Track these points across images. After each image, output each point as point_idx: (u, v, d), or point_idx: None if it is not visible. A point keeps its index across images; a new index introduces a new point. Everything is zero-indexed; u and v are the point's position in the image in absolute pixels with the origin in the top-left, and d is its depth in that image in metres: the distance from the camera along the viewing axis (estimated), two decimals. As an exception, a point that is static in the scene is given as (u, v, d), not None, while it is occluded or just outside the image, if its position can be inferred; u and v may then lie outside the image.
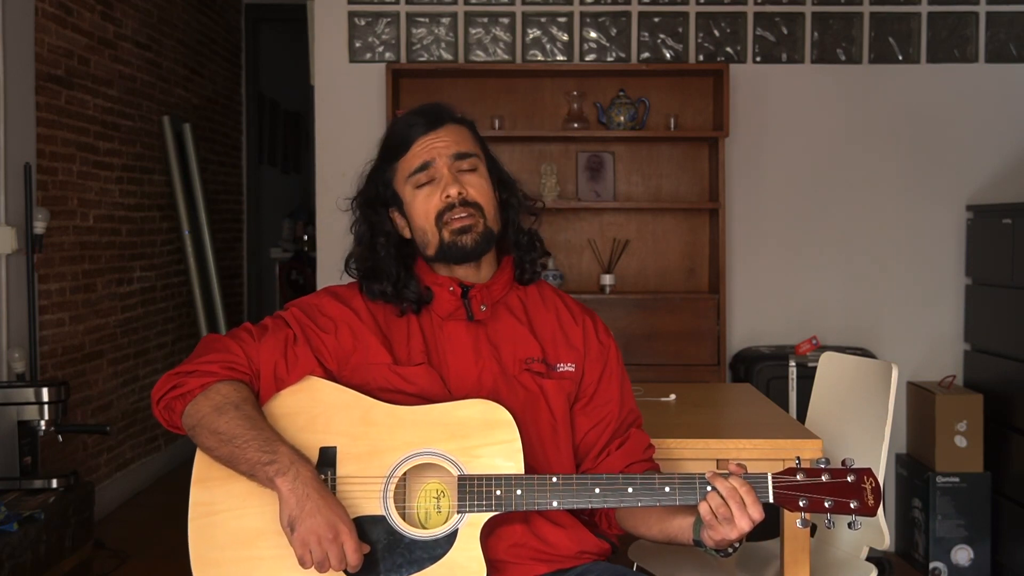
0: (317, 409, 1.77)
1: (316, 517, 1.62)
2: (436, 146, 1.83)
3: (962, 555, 3.84)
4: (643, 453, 1.91)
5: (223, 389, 1.73)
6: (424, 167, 1.83)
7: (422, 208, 1.83)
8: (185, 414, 1.74)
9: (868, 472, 1.65)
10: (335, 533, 1.63)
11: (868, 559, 2.61)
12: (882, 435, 2.51)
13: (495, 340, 1.85)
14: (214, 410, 1.70)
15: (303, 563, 1.64)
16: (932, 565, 3.86)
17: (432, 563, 1.68)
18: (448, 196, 1.81)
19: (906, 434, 4.17)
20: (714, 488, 1.63)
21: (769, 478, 1.66)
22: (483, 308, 1.85)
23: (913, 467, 4.03)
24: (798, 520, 1.66)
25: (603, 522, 1.89)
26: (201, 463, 1.76)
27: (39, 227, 3.91)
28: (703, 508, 1.64)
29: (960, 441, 3.85)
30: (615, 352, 1.94)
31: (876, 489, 1.64)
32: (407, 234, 1.88)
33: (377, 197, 1.89)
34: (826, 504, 1.64)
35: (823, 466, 1.66)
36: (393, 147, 1.87)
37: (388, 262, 1.85)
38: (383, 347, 1.82)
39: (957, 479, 3.84)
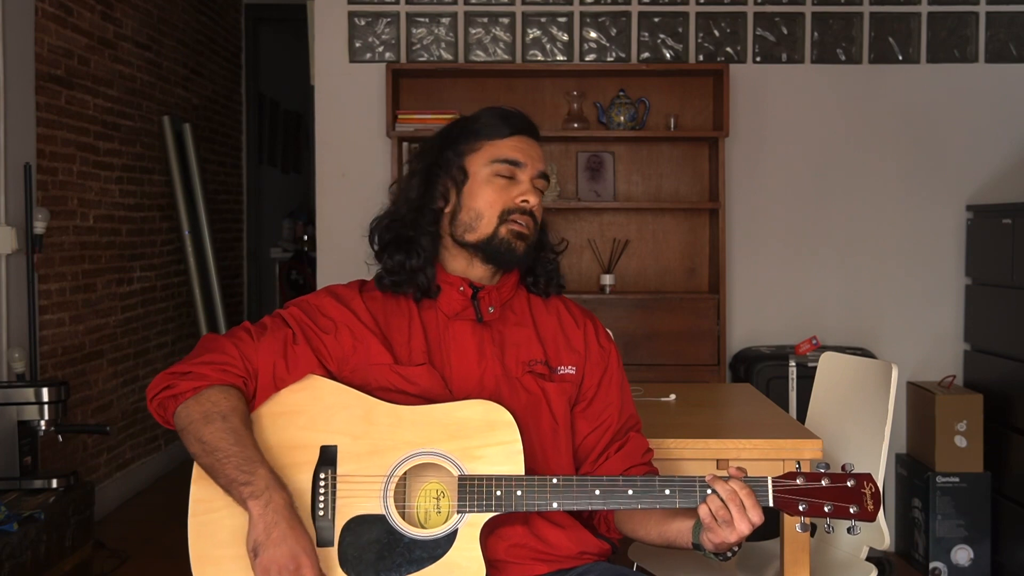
0: (318, 408, 1.77)
1: (280, 547, 1.62)
2: (532, 153, 1.86)
3: (962, 555, 3.84)
4: (642, 457, 1.91)
5: (213, 396, 1.72)
6: (515, 163, 1.84)
7: (492, 196, 1.83)
8: (176, 415, 1.74)
9: (868, 477, 1.65)
10: (296, 565, 1.62)
11: (868, 559, 2.61)
12: (882, 435, 2.51)
13: (500, 342, 1.85)
14: (202, 417, 1.70)
15: None
16: (932, 565, 3.86)
17: (431, 563, 1.68)
18: (526, 202, 1.83)
19: (906, 434, 4.17)
20: (714, 491, 1.63)
21: (769, 482, 1.66)
22: (491, 310, 1.85)
23: (913, 467, 4.03)
24: (798, 524, 1.66)
25: (602, 525, 1.89)
26: None
27: (39, 227, 3.91)
28: (703, 511, 1.63)
29: (960, 441, 3.85)
30: (616, 357, 1.94)
31: (876, 494, 1.64)
32: (448, 206, 1.86)
33: (443, 163, 1.87)
34: (826, 509, 1.64)
35: (823, 470, 1.66)
36: (487, 127, 1.86)
37: (429, 236, 1.84)
38: (383, 347, 1.82)
39: (957, 479, 3.84)
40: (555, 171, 4.17)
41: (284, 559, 1.62)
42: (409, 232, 1.84)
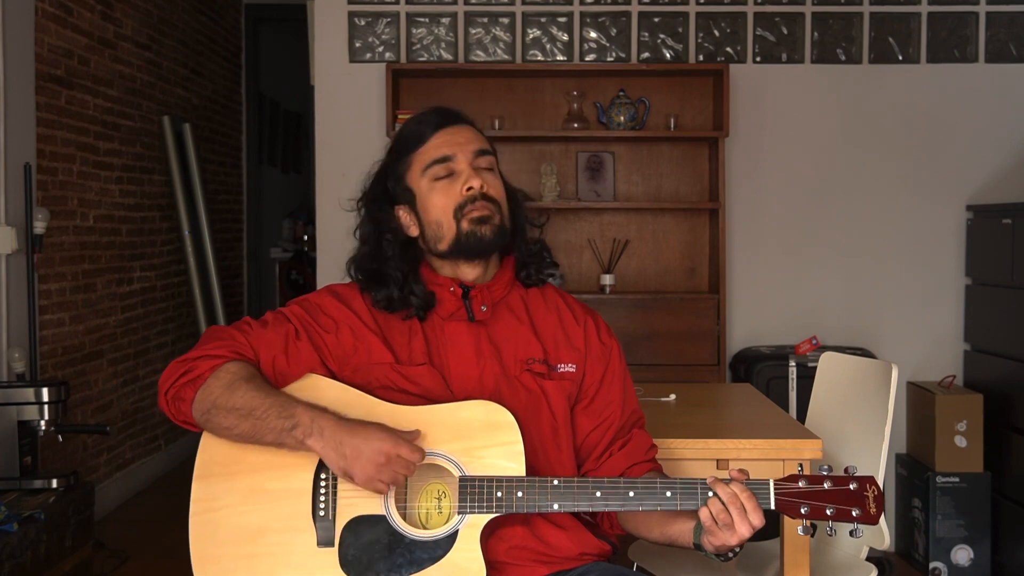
0: (319, 407, 1.77)
1: (360, 456, 1.64)
2: (457, 140, 1.84)
3: (962, 555, 3.84)
4: (645, 454, 1.91)
5: (232, 368, 1.74)
6: (444, 159, 1.82)
7: (440, 200, 1.81)
8: (196, 400, 1.73)
9: (871, 480, 1.65)
10: (385, 456, 1.64)
11: (868, 559, 2.61)
12: (882, 435, 2.51)
13: (496, 340, 1.85)
14: (226, 388, 1.71)
15: (380, 492, 1.67)
16: (932, 565, 3.86)
17: (432, 563, 1.68)
18: (471, 188, 1.81)
19: (906, 434, 4.17)
20: (715, 494, 1.63)
21: (771, 484, 1.65)
22: (484, 308, 1.85)
23: (913, 467, 4.03)
24: (799, 527, 1.66)
25: (605, 522, 1.89)
26: (203, 458, 1.76)
27: (39, 227, 3.91)
28: (703, 514, 1.63)
29: (960, 441, 3.85)
30: (618, 353, 1.93)
31: (879, 497, 1.64)
32: (414, 232, 1.86)
33: (384, 194, 1.87)
34: (828, 511, 1.64)
35: (826, 473, 1.65)
36: (408, 140, 1.85)
37: (394, 263, 1.83)
38: (384, 347, 1.82)
39: (957, 479, 3.84)
40: (555, 171, 4.17)
41: (372, 463, 1.64)
42: (373, 265, 1.85)
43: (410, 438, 1.69)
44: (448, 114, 1.87)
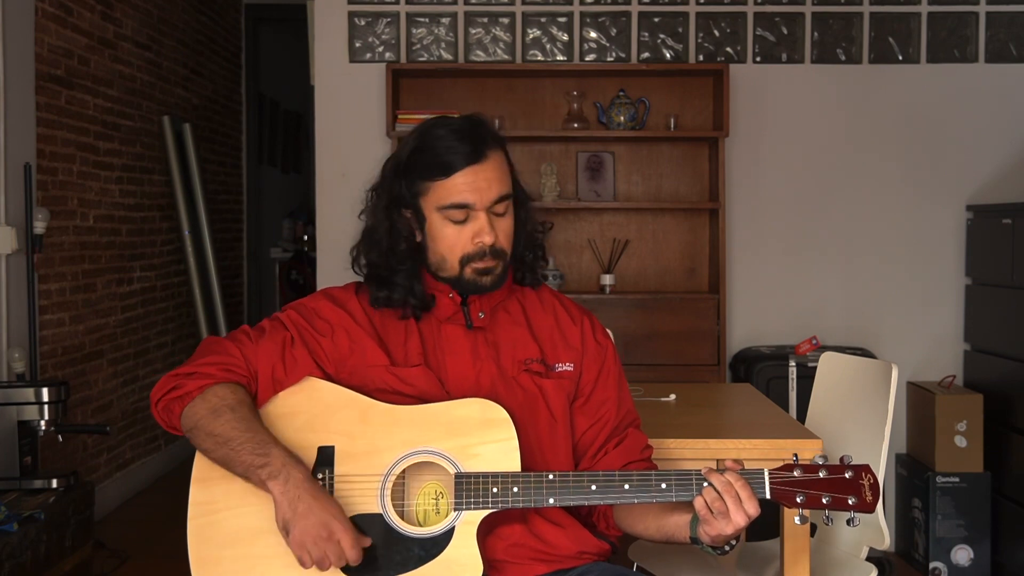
0: (316, 409, 1.78)
1: (309, 518, 1.63)
2: (480, 184, 1.77)
3: (962, 555, 3.84)
4: (641, 453, 1.91)
5: (220, 392, 1.74)
6: (463, 207, 1.77)
7: (449, 241, 1.79)
8: (183, 416, 1.75)
9: (866, 468, 1.65)
10: (329, 532, 1.63)
11: (868, 559, 2.61)
12: (882, 435, 2.51)
13: (494, 342, 1.85)
14: (210, 413, 1.71)
15: (303, 564, 1.65)
16: (932, 565, 3.86)
17: (429, 560, 1.68)
18: (482, 243, 1.79)
19: (906, 434, 4.17)
20: (710, 483, 1.63)
21: (766, 474, 1.65)
22: (481, 315, 1.86)
23: (913, 467, 4.03)
24: (796, 516, 1.65)
25: (601, 522, 1.89)
26: (201, 462, 1.77)
27: (39, 227, 3.91)
28: (698, 503, 1.63)
29: (960, 441, 3.85)
30: (612, 353, 1.94)
31: (875, 486, 1.64)
32: (419, 238, 1.84)
33: (400, 199, 1.83)
34: (823, 500, 1.64)
35: (821, 462, 1.65)
36: (430, 167, 1.78)
37: (404, 271, 1.82)
38: (380, 349, 1.82)
39: (957, 479, 3.84)
40: (555, 171, 4.17)
41: (315, 528, 1.63)
42: (384, 274, 1.83)
43: (362, 542, 1.67)
44: (475, 142, 1.77)
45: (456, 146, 1.77)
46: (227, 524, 1.73)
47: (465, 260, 1.80)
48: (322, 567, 1.65)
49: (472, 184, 1.77)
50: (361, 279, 1.92)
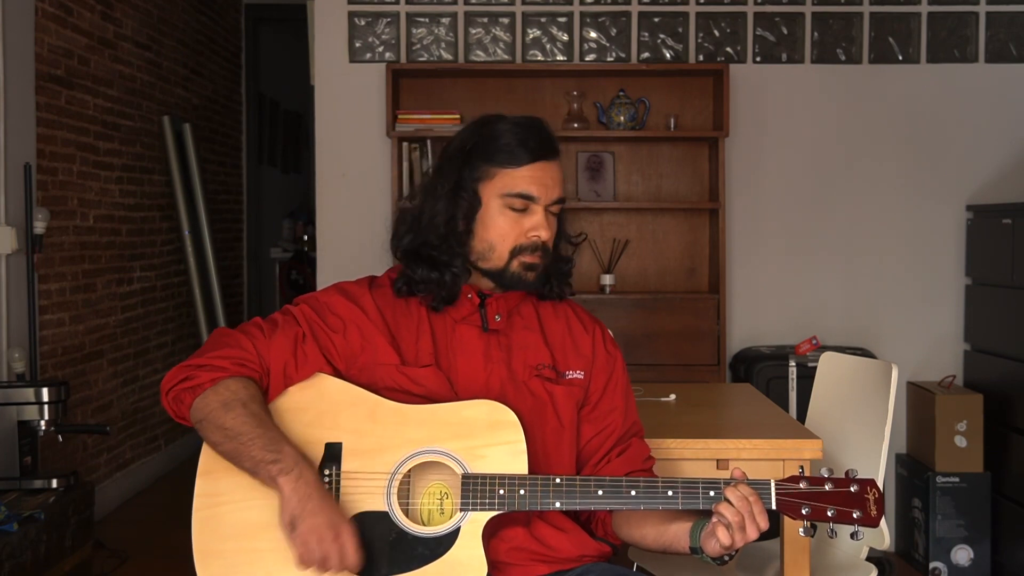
0: (324, 405, 1.78)
1: (318, 516, 1.63)
2: (546, 181, 1.79)
3: (962, 555, 3.84)
4: (643, 463, 1.91)
5: (232, 385, 1.73)
6: (528, 197, 1.79)
7: (504, 229, 1.80)
8: (194, 407, 1.74)
9: (872, 483, 1.66)
10: (335, 533, 1.64)
11: (868, 559, 2.61)
12: (882, 435, 2.51)
13: (507, 346, 1.85)
14: (222, 406, 1.71)
15: (303, 561, 1.65)
16: (932, 565, 3.86)
17: (434, 560, 1.69)
18: (537, 237, 1.79)
19: (906, 434, 4.17)
20: (726, 498, 1.64)
21: (772, 484, 1.66)
22: (498, 318, 1.85)
23: (913, 467, 4.03)
24: (800, 528, 1.66)
25: (599, 529, 1.89)
26: (207, 455, 1.77)
27: (39, 227, 3.91)
28: (728, 510, 1.62)
29: (960, 441, 3.85)
30: (621, 363, 1.95)
31: (879, 500, 1.65)
32: (462, 226, 1.82)
33: (463, 182, 1.81)
34: (828, 513, 1.65)
35: (827, 475, 1.66)
36: (502, 152, 1.79)
37: (461, 256, 1.81)
38: (391, 347, 1.82)
39: (957, 479, 3.84)
40: (555, 171, 4.16)
41: (323, 528, 1.63)
42: (443, 257, 1.81)
43: (362, 557, 1.66)
44: (548, 144, 1.81)
45: (527, 139, 1.80)
46: (231, 517, 1.73)
47: (516, 251, 1.80)
48: (322, 568, 1.64)
49: (540, 179, 1.79)
50: (375, 272, 1.91)
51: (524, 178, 1.79)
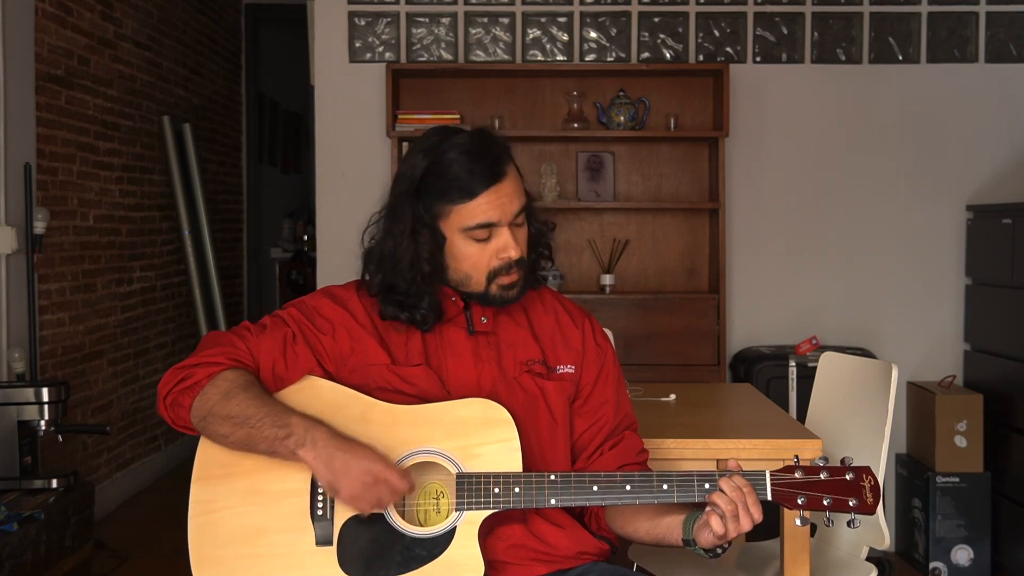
0: (316, 408, 1.77)
1: (350, 472, 1.64)
2: (502, 200, 1.76)
3: (962, 555, 3.84)
4: (636, 456, 1.91)
5: (229, 375, 1.74)
6: (488, 225, 1.76)
7: (474, 258, 1.78)
8: (194, 406, 1.74)
9: (867, 470, 1.66)
10: (373, 477, 1.65)
11: (868, 559, 2.61)
12: (882, 435, 2.51)
13: (496, 344, 1.85)
14: (223, 396, 1.71)
15: (362, 512, 1.68)
16: (932, 565, 3.86)
17: (430, 561, 1.69)
18: (508, 258, 1.78)
19: (906, 434, 4.17)
20: (720, 488, 1.64)
21: (767, 475, 1.66)
22: (484, 320, 1.85)
23: (913, 467, 4.03)
24: (797, 518, 1.66)
25: (592, 523, 1.89)
26: (202, 461, 1.76)
27: (39, 227, 3.92)
28: (722, 500, 1.62)
29: (960, 441, 3.85)
30: (612, 355, 1.94)
31: (875, 487, 1.64)
32: (437, 259, 1.81)
33: (420, 220, 1.79)
34: (824, 502, 1.65)
35: (822, 464, 1.66)
36: (451, 191, 1.75)
37: (430, 296, 1.80)
38: (381, 348, 1.82)
39: (957, 479, 3.84)
40: (555, 171, 4.17)
41: (360, 479, 1.64)
42: (410, 300, 1.80)
43: (408, 476, 1.68)
44: (497, 163, 1.76)
45: (475, 168, 1.75)
46: (228, 523, 1.72)
47: (492, 275, 1.79)
48: (381, 507, 1.67)
49: (495, 203, 1.76)
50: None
51: (481, 209, 1.75)
